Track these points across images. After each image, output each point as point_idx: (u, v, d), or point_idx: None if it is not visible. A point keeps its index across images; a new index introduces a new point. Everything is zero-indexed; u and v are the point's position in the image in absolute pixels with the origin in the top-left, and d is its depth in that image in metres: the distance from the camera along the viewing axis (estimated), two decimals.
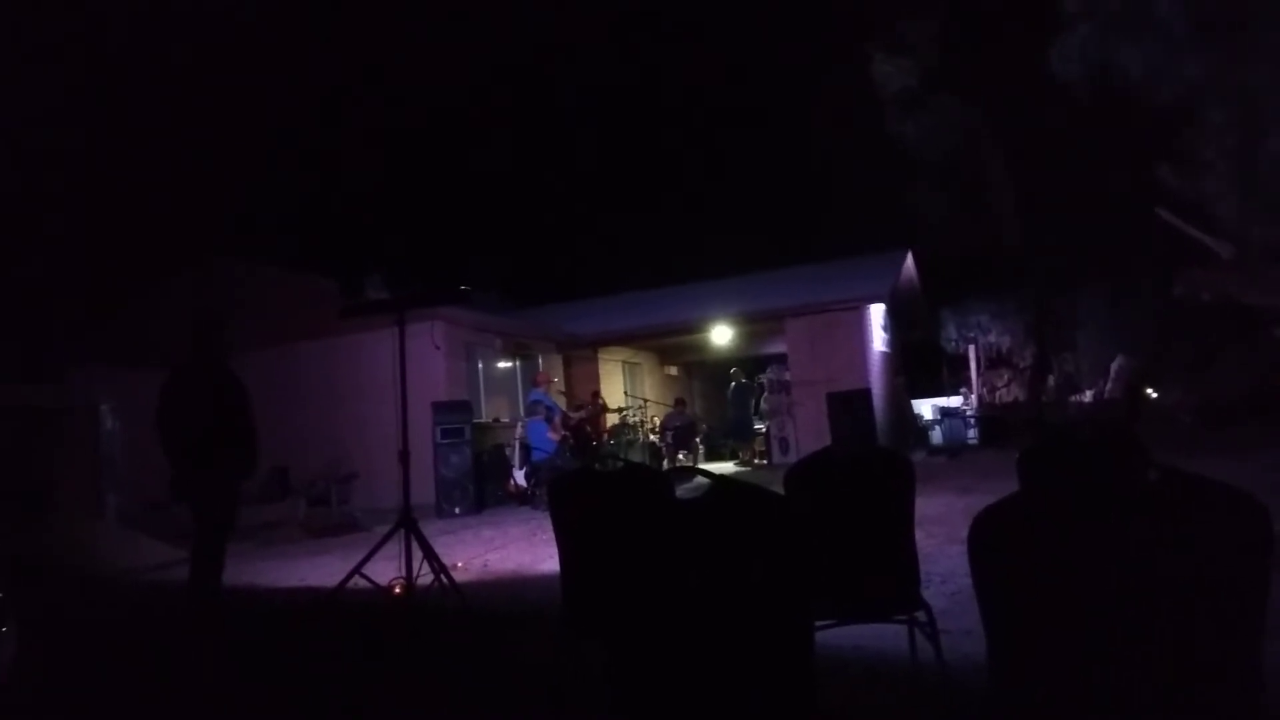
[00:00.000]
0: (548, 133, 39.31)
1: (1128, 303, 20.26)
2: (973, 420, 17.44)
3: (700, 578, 1.83)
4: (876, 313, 17.12)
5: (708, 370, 23.45)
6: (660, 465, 15.23)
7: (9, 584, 2.52)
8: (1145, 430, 14.10)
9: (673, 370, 23.17)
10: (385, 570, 5.52)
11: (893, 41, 21.03)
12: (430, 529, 6.86)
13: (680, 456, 16.57)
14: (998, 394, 23.23)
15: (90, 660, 5.08)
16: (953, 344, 23.31)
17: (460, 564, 7.22)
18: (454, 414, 12.25)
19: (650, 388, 20.63)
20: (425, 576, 5.45)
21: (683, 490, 2.55)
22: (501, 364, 15.76)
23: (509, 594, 6.21)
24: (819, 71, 25.28)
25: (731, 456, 17.52)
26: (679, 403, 18.48)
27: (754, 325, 17.48)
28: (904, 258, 19.20)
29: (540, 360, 16.64)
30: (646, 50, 37.99)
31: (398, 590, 5.46)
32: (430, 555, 5.50)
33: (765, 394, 16.79)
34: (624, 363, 20.14)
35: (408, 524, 5.54)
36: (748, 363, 19.26)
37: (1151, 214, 17.09)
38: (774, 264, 21.34)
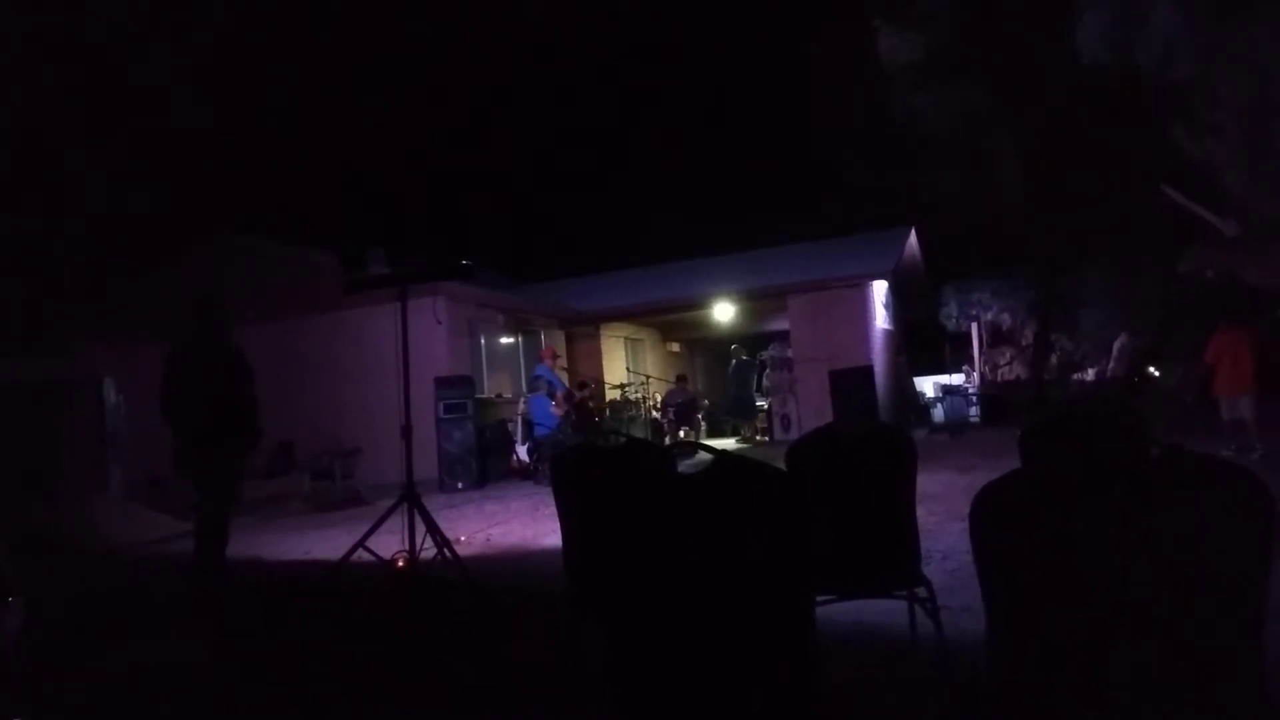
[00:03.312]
0: (550, 109, 39.07)
1: (1132, 281, 20.18)
2: (974, 398, 17.45)
3: (701, 552, 1.84)
4: (879, 290, 17.08)
5: (710, 347, 23.45)
6: (662, 441, 15.26)
7: (15, 557, 2.53)
8: (1147, 408, 14.08)
9: (675, 347, 23.16)
10: (388, 544, 5.55)
11: (899, 15, 20.82)
12: (433, 503, 6.89)
13: (682, 433, 16.61)
14: (1000, 372, 23.24)
15: (95, 632, 5.13)
16: (955, 321, 23.28)
17: (463, 538, 7.26)
18: (457, 389, 12.27)
19: (652, 364, 20.63)
20: (428, 550, 5.48)
21: (684, 465, 2.56)
22: (504, 340, 15.76)
23: (511, 568, 6.25)
24: (823, 46, 25.09)
25: (733, 433, 17.55)
26: (680, 379, 18.49)
27: (756, 302, 17.45)
28: (907, 235, 19.15)
29: (543, 336, 16.65)
30: (649, 26, 37.68)
31: (401, 564, 5.50)
32: (433, 529, 5.53)
33: (767, 371, 16.80)
34: (626, 339, 20.13)
35: (411, 498, 5.56)
36: (750, 340, 19.24)
37: (1157, 192, 16.99)
38: (777, 240, 21.28)
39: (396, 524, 5.54)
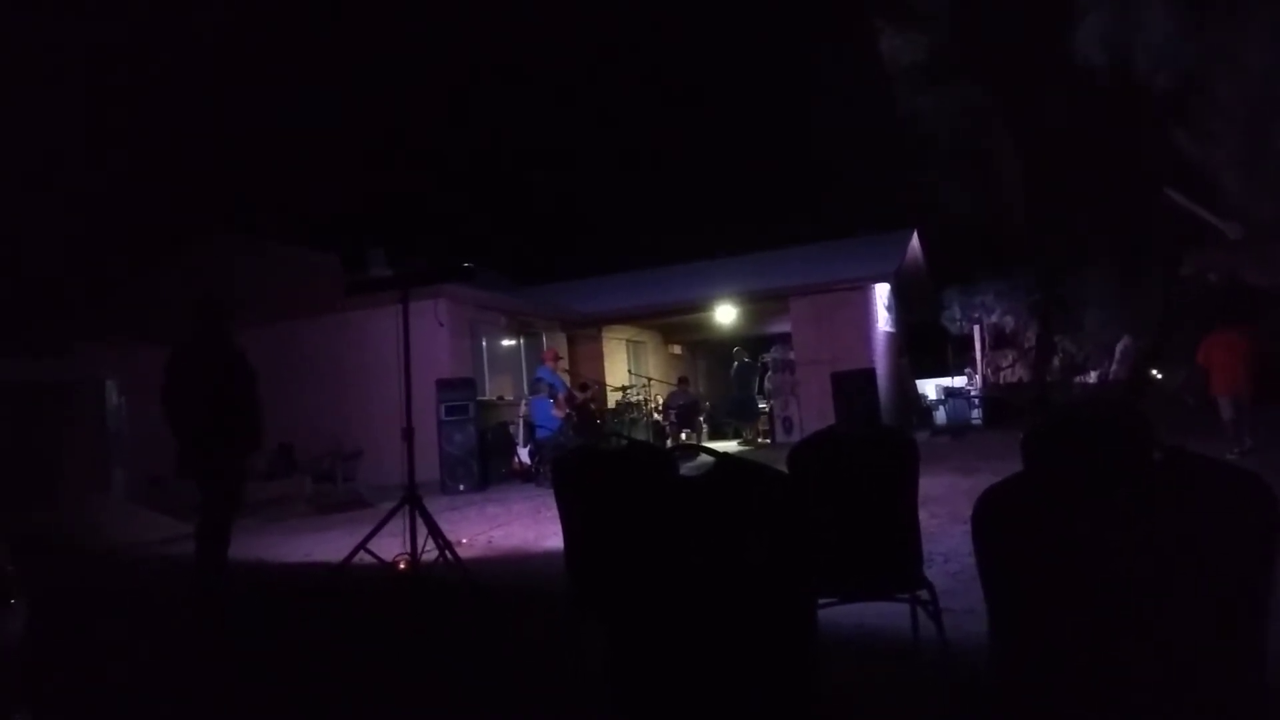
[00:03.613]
0: (552, 111, 39.13)
1: (1135, 284, 20.17)
2: (977, 400, 17.43)
3: (703, 555, 1.84)
4: (881, 292, 17.07)
5: (712, 349, 23.43)
6: (664, 443, 15.24)
7: (18, 558, 2.54)
8: (1150, 411, 14.05)
9: (677, 349, 23.15)
10: (390, 546, 5.55)
11: (901, 17, 20.83)
12: (435, 506, 6.89)
13: (683, 435, 16.60)
14: (1002, 374, 23.21)
15: (98, 633, 5.13)
16: (958, 324, 23.27)
17: (465, 540, 7.26)
18: (458, 391, 12.26)
19: (654, 366, 20.63)
20: (430, 552, 5.48)
21: (686, 468, 2.56)
22: (505, 342, 15.76)
23: (513, 570, 6.25)
24: (826, 48, 25.10)
25: (735, 435, 17.55)
26: (682, 381, 18.49)
27: (758, 304, 17.45)
28: (909, 237, 19.14)
29: (545, 338, 16.65)
30: (651, 28, 37.70)
31: (402, 566, 5.50)
32: (435, 531, 5.52)
33: (769, 373, 16.80)
34: (628, 341, 20.13)
35: (412, 500, 5.56)
36: (752, 342, 19.24)
37: (1160, 194, 16.99)
38: (779, 243, 21.28)
39: (398, 526, 5.54)
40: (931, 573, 3.37)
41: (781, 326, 18.13)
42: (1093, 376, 21.15)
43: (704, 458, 2.17)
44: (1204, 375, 10.17)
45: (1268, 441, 9.53)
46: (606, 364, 18.50)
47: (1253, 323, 12.06)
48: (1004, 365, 23.63)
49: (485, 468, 12.39)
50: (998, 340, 23.63)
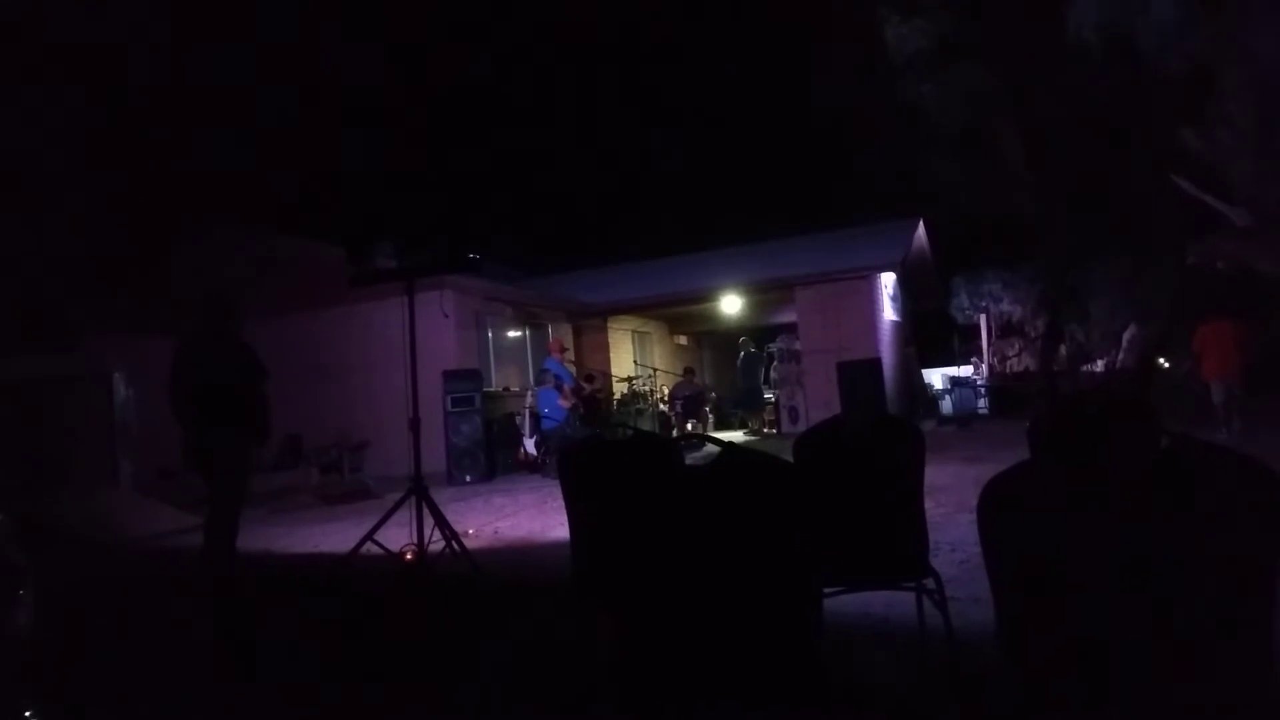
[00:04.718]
0: (557, 102, 39.07)
1: (1142, 272, 20.08)
2: (983, 390, 17.40)
3: (709, 544, 1.84)
4: (887, 282, 17.03)
5: (717, 339, 23.42)
6: (670, 434, 15.26)
7: (27, 549, 2.55)
8: (1157, 399, 14.04)
9: (682, 339, 23.14)
10: (397, 537, 5.56)
11: (907, 4, 20.70)
12: (441, 496, 6.91)
13: (689, 425, 16.60)
14: (1009, 363, 23.16)
15: (106, 625, 5.15)
16: (964, 313, 23.20)
17: (471, 531, 7.28)
18: (464, 382, 12.28)
19: (660, 357, 20.62)
20: (437, 543, 5.50)
21: (692, 458, 2.56)
22: (511, 333, 15.78)
23: (520, 561, 6.26)
24: (831, 35, 24.97)
25: (741, 426, 17.54)
26: (688, 372, 18.48)
27: (764, 294, 17.41)
28: (915, 226, 19.06)
29: (550, 329, 16.66)
30: (655, 16, 37.55)
31: (409, 557, 5.51)
32: (441, 522, 5.54)
33: (775, 363, 16.78)
34: (634, 332, 20.12)
35: (419, 491, 5.57)
36: (758, 332, 19.20)
37: (1168, 182, 16.89)
38: (784, 233, 21.21)
39: (405, 517, 5.56)
40: (937, 562, 3.37)
41: (787, 316, 18.09)
42: (1099, 365, 21.09)
43: (710, 447, 2.17)
44: (1196, 361, 10.60)
45: (1263, 427, 9.70)
46: (612, 354, 18.50)
47: (1250, 313, 12.28)
48: (1010, 354, 23.57)
49: (492, 459, 12.41)
50: (1004, 329, 23.57)
